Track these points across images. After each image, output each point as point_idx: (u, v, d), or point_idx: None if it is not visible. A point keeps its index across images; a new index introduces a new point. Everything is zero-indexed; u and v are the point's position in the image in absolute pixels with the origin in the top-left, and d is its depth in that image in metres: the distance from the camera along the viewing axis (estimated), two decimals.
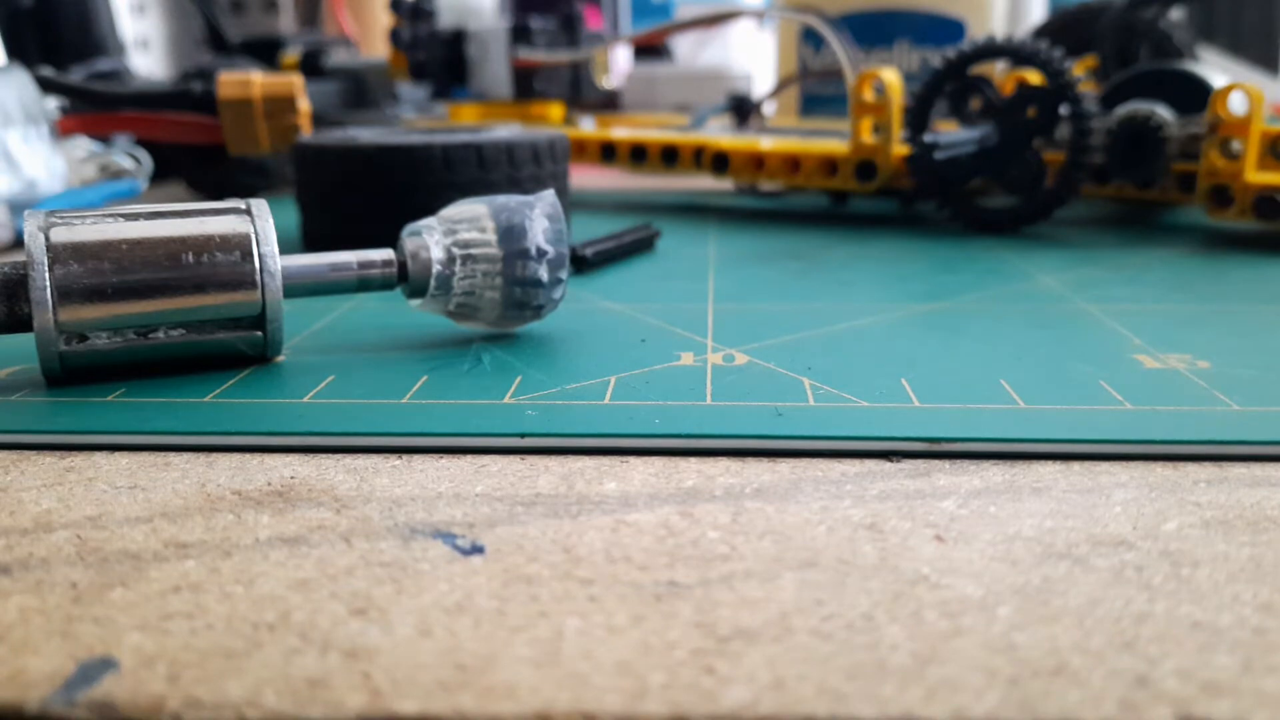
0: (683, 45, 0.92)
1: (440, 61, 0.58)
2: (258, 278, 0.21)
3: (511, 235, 0.22)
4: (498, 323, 0.23)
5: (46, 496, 0.16)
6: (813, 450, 0.17)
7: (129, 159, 0.45)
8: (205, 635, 0.12)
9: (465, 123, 0.53)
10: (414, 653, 0.11)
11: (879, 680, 0.11)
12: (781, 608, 0.12)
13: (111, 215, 0.20)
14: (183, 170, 0.50)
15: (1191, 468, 0.17)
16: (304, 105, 0.43)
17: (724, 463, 0.17)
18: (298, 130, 0.43)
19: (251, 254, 0.21)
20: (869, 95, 0.39)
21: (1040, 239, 0.37)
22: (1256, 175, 0.34)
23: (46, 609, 0.12)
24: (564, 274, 0.23)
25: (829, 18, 0.50)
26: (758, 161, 0.42)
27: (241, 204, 0.21)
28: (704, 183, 0.54)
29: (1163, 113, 0.36)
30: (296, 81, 0.43)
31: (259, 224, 0.21)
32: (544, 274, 0.22)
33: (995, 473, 0.16)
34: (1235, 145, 0.34)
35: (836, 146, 0.40)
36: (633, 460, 0.17)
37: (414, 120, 0.57)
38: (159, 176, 0.47)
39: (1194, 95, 0.37)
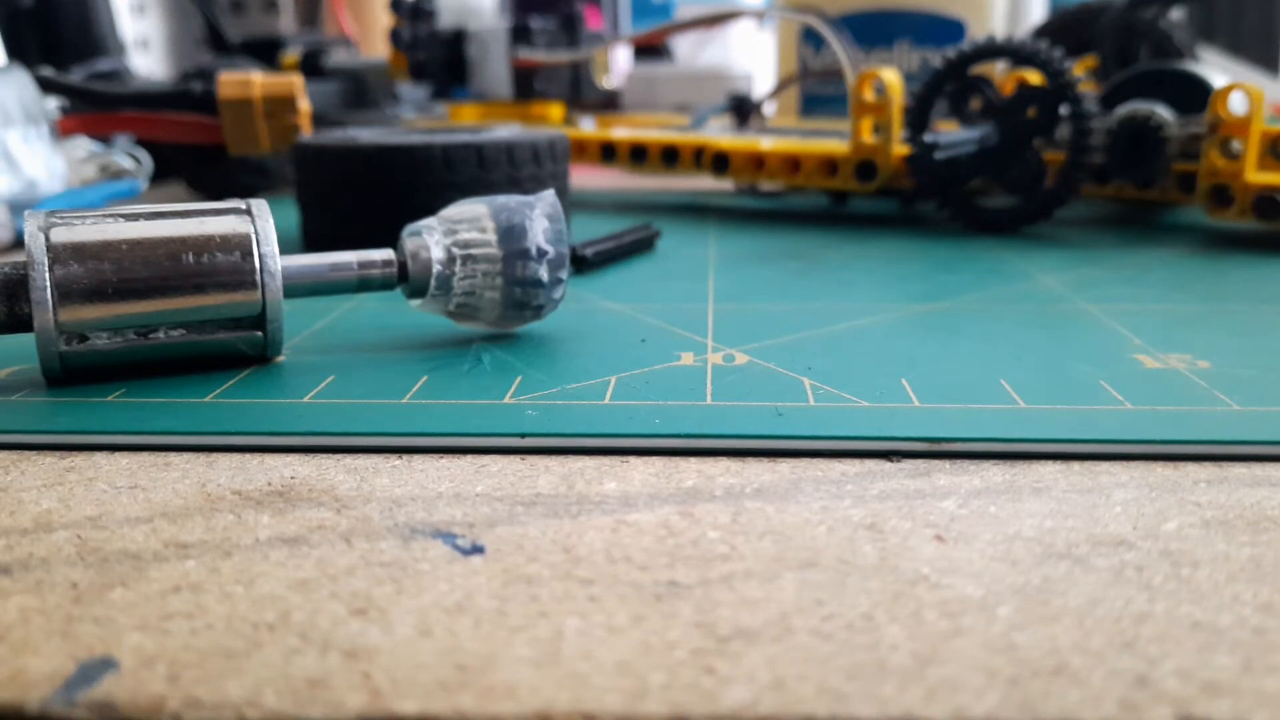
0: (683, 45, 0.92)
1: (440, 61, 0.58)
2: (258, 278, 0.21)
3: (511, 235, 0.22)
4: (498, 323, 0.23)
5: (47, 496, 0.16)
6: (813, 450, 0.17)
7: (129, 159, 0.45)
8: (205, 635, 0.12)
9: (465, 123, 0.53)
10: (414, 653, 0.11)
11: (879, 680, 0.11)
12: (781, 608, 0.12)
13: (111, 215, 0.20)
14: (183, 170, 0.50)
15: (1191, 468, 0.17)
16: (304, 105, 0.43)
17: (724, 463, 0.17)
18: (298, 130, 0.43)
19: (251, 254, 0.21)
20: (869, 95, 0.39)
21: (1040, 239, 0.37)
22: (1256, 175, 0.34)
23: (47, 609, 0.12)
24: (564, 274, 0.23)
25: (829, 18, 0.50)
26: (758, 161, 0.42)
27: (241, 204, 0.21)
28: (704, 183, 0.54)
29: (1163, 113, 0.36)
30: (296, 81, 0.43)
31: (259, 224, 0.21)
32: (544, 274, 0.22)
33: (995, 473, 0.16)
34: (1235, 145, 0.34)
35: (836, 146, 0.40)
36: (633, 460, 0.17)
37: (414, 120, 0.57)
38: (159, 176, 0.47)
39: (1194, 95, 0.37)
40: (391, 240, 0.23)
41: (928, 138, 0.37)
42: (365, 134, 0.37)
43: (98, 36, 0.63)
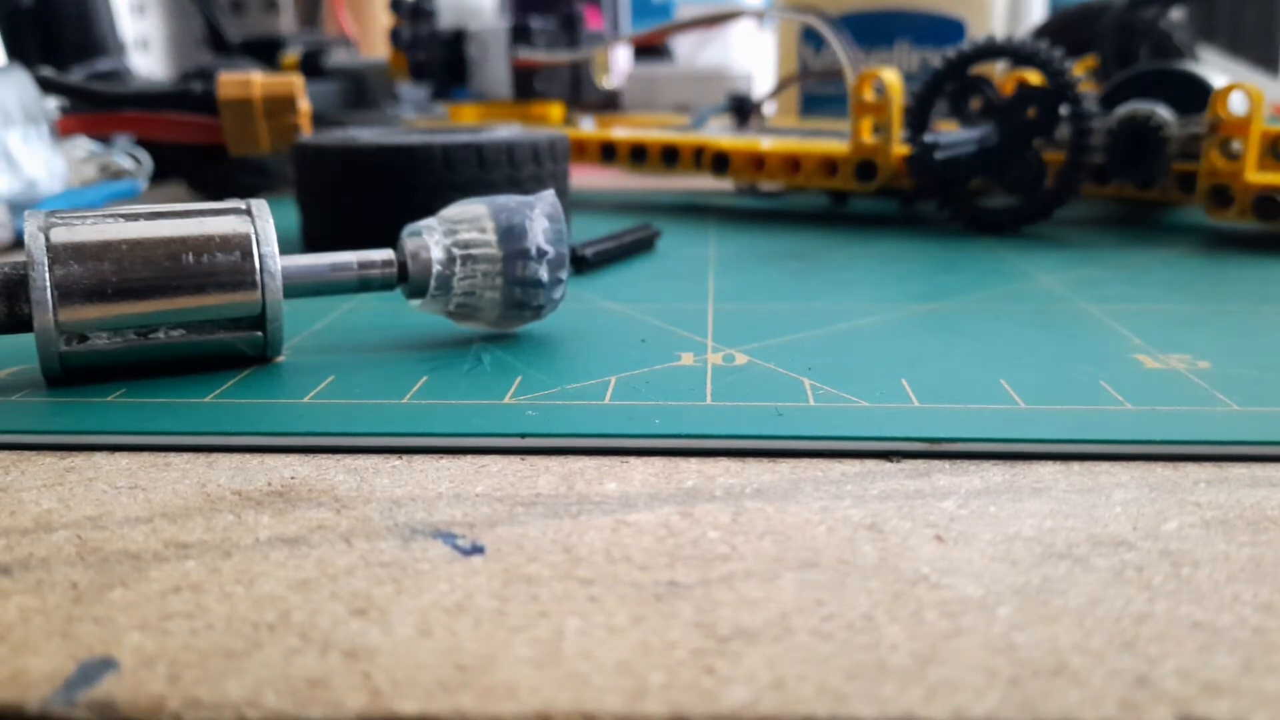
0: (683, 45, 0.92)
1: (440, 61, 0.58)
2: (258, 278, 0.21)
3: (511, 235, 0.22)
4: (498, 323, 0.23)
5: (47, 496, 0.16)
6: (813, 450, 0.17)
7: (129, 159, 0.45)
8: (205, 635, 0.12)
9: (465, 123, 0.53)
10: (414, 653, 0.11)
11: (879, 680, 0.11)
12: (782, 608, 0.12)
13: (111, 215, 0.20)
14: (183, 170, 0.50)
15: (1191, 468, 0.17)
16: (304, 105, 0.43)
17: (724, 463, 0.17)
18: (298, 130, 0.43)
19: (251, 254, 0.21)
20: (869, 95, 0.39)
21: (1040, 239, 0.37)
22: (1256, 175, 0.34)
23: (47, 609, 0.12)
24: (564, 274, 0.23)
25: (829, 18, 0.50)
26: (758, 161, 0.42)
27: (241, 204, 0.21)
28: (704, 183, 0.54)
29: (1163, 113, 0.36)
30: (296, 81, 0.43)
31: (259, 224, 0.21)
32: (544, 274, 0.22)
33: (995, 473, 0.16)
34: (1235, 145, 0.34)
35: (836, 146, 0.40)
36: (633, 460, 0.17)
37: (414, 120, 0.57)
38: (159, 176, 0.47)
39: (1194, 95, 0.37)
40: (391, 240, 0.23)
41: (928, 138, 0.37)
42: (365, 134, 0.37)
43: (98, 36, 0.63)
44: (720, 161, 0.43)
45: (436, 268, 0.22)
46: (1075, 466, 0.17)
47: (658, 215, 0.44)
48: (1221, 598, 0.12)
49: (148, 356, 0.21)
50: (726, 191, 0.51)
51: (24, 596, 0.13)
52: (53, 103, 0.46)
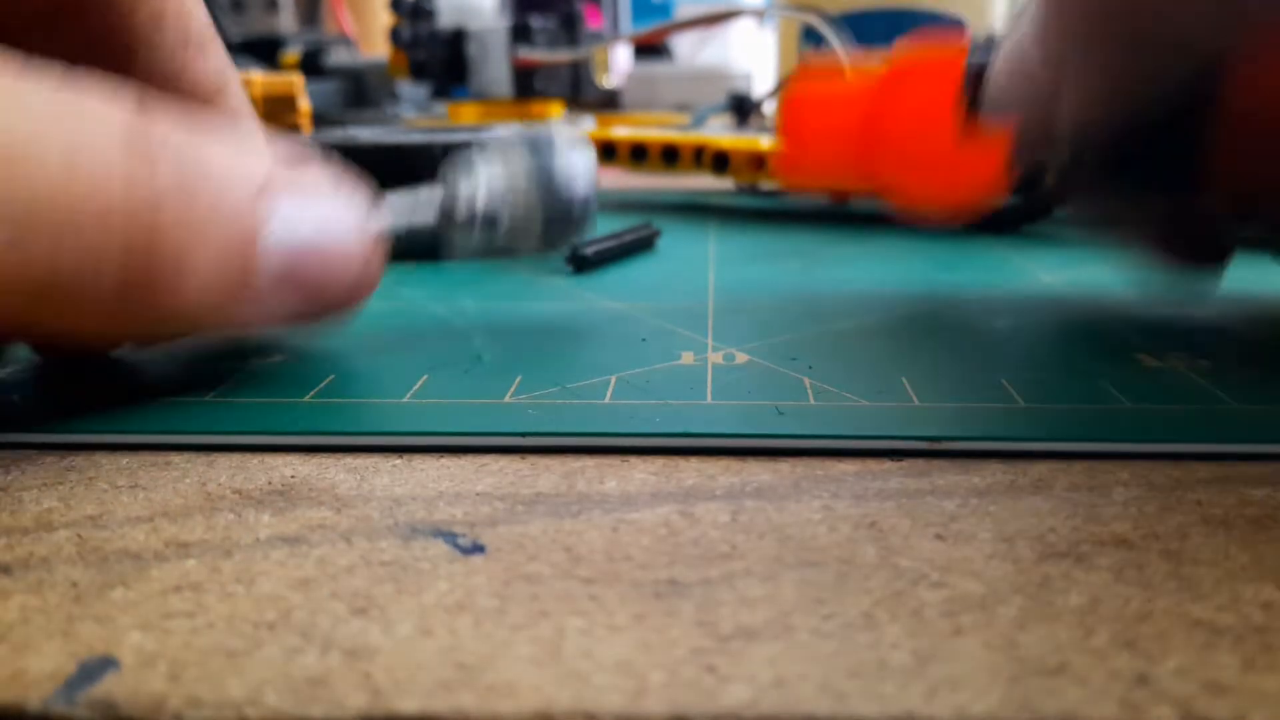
0: (683, 44, 0.93)
1: (440, 61, 0.58)
2: None
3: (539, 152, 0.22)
4: (540, 244, 0.23)
5: (47, 496, 0.16)
6: (813, 449, 0.17)
7: None
8: (206, 634, 0.12)
9: (465, 122, 0.53)
10: (414, 652, 0.11)
11: (880, 679, 0.11)
12: (782, 606, 0.12)
13: None
14: None
15: (1192, 467, 0.17)
16: (304, 104, 0.43)
17: (724, 462, 0.17)
18: (298, 129, 0.43)
19: None
20: None
21: (1040, 239, 0.37)
22: None
23: (47, 608, 0.12)
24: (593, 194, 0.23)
25: (829, 16, 0.50)
26: (758, 161, 0.42)
27: None
28: (704, 182, 0.54)
29: None
30: (296, 81, 0.43)
31: None
32: (580, 188, 0.23)
33: (996, 471, 0.16)
34: None
35: None
36: (633, 459, 0.17)
37: (414, 119, 0.57)
38: None
39: None
40: None
41: None
42: (365, 133, 0.37)
43: None
44: (720, 161, 0.43)
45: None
46: (1076, 465, 0.17)
47: (658, 215, 0.44)
48: (1222, 597, 0.12)
49: None
50: (726, 191, 0.51)
51: (24, 596, 0.13)
52: None
